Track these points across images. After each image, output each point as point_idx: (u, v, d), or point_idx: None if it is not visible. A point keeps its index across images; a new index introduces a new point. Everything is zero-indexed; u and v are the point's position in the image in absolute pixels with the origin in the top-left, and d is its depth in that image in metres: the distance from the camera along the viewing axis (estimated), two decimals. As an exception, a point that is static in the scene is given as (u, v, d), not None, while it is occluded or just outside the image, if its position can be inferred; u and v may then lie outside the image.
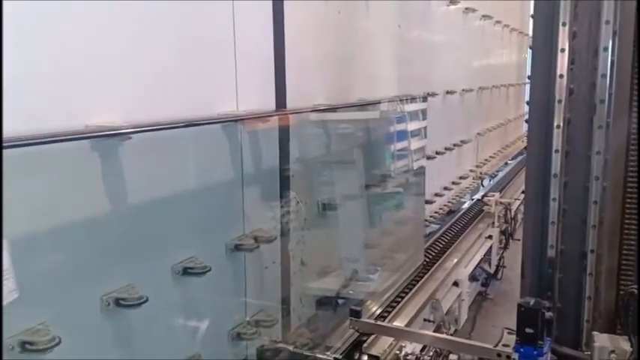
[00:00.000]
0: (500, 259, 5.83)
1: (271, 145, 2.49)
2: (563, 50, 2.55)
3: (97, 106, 1.64)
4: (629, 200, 2.56)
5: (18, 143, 1.33)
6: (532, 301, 2.28)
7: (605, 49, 2.48)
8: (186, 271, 1.99)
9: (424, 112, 3.97)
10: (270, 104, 2.49)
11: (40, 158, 1.45)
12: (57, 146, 1.45)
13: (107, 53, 1.67)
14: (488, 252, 5.38)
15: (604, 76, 2.49)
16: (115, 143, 1.67)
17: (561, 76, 2.56)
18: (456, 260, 4.54)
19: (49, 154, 1.47)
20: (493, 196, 5.81)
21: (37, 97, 1.47)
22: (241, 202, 2.32)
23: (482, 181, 6.66)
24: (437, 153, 4.71)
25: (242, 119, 2.23)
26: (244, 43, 2.25)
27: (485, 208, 5.69)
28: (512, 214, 5.94)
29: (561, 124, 2.59)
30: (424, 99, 3.97)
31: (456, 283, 4.39)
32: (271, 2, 2.43)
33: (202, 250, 2.07)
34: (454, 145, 5.23)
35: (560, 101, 2.57)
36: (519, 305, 2.26)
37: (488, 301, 5.60)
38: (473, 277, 5.02)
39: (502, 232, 5.75)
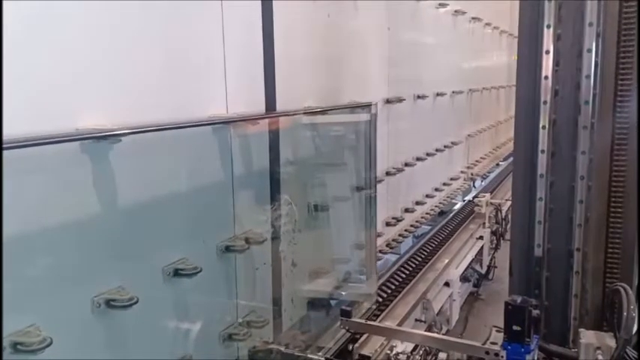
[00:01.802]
0: (491, 260, 5.87)
1: (254, 146, 2.48)
2: (548, 52, 2.59)
3: (85, 109, 1.66)
4: (614, 199, 2.61)
5: (10, 145, 1.35)
6: (519, 299, 2.31)
7: (589, 50, 2.52)
8: (177, 273, 2.01)
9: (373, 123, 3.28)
10: (260, 107, 2.51)
11: (31, 161, 1.47)
12: (48, 148, 1.47)
13: (96, 57, 1.69)
14: (480, 252, 5.42)
15: (588, 77, 2.53)
16: (105, 146, 1.68)
17: (546, 77, 2.60)
18: (446, 261, 4.58)
19: (41, 156, 1.49)
20: (484, 196, 5.85)
21: (25, 99, 1.49)
22: (232, 203, 2.34)
23: (473, 183, 6.71)
24: (427, 154, 4.75)
25: (231, 122, 2.26)
26: (234, 47, 2.28)
27: (476, 208, 5.74)
28: (503, 214, 5.98)
29: (547, 125, 2.63)
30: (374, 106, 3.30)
31: (447, 284, 4.43)
32: (260, 8, 2.45)
33: (193, 251, 2.08)
34: (444, 146, 5.27)
35: (545, 102, 2.62)
36: (507, 303, 2.29)
37: (480, 301, 5.64)
38: (464, 278, 5.06)
39: (493, 233, 5.79)
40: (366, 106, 3.25)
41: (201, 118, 2.13)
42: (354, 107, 3.25)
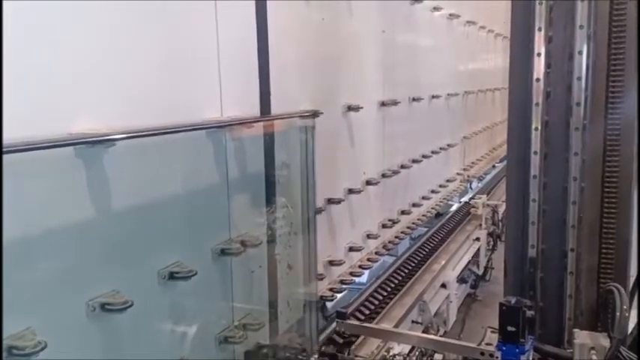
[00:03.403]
0: (488, 261, 5.88)
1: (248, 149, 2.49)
2: (539, 54, 2.61)
3: (81, 110, 1.67)
4: (607, 200, 2.62)
5: (7, 150, 1.36)
6: (513, 300, 2.33)
7: (580, 52, 2.54)
8: (172, 276, 2.02)
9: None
10: (255, 110, 2.52)
11: (23, 164, 1.48)
12: (40, 152, 1.48)
13: (90, 60, 1.70)
14: (477, 254, 5.43)
15: (579, 79, 2.56)
16: (99, 150, 1.69)
17: (538, 79, 2.62)
18: (443, 262, 4.59)
19: (34, 160, 1.50)
20: (480, 198, 5.87)
21: (19, 103, 1.50)
22: (227, 206, 2.35)
23: (470, 184, 6.72)
24: (423, 156, 4.77)
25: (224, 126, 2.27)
26: (228, 51, 2.29)
27: (473, 210, 5.75)
28: (500, 216, 6.00)
29: (539, 127, 2.65)
30: (313, 115, 2.74)
31: (444, 285, 4.44)
32: (254, 14, 2.47)
33: (188, 254, 2.09)
34: (440, 148, 5.29)
35: (537, 104, 2.64)
36: (501, 304, 2.31)
37: (477, 303, 5.65)
38: (462, 279, 5.07)
39: (490, 234, 5.81)
40: (309, 116, 2.74)
41: (196, 120, 2.15)
42: (294, 117, 2.71)
